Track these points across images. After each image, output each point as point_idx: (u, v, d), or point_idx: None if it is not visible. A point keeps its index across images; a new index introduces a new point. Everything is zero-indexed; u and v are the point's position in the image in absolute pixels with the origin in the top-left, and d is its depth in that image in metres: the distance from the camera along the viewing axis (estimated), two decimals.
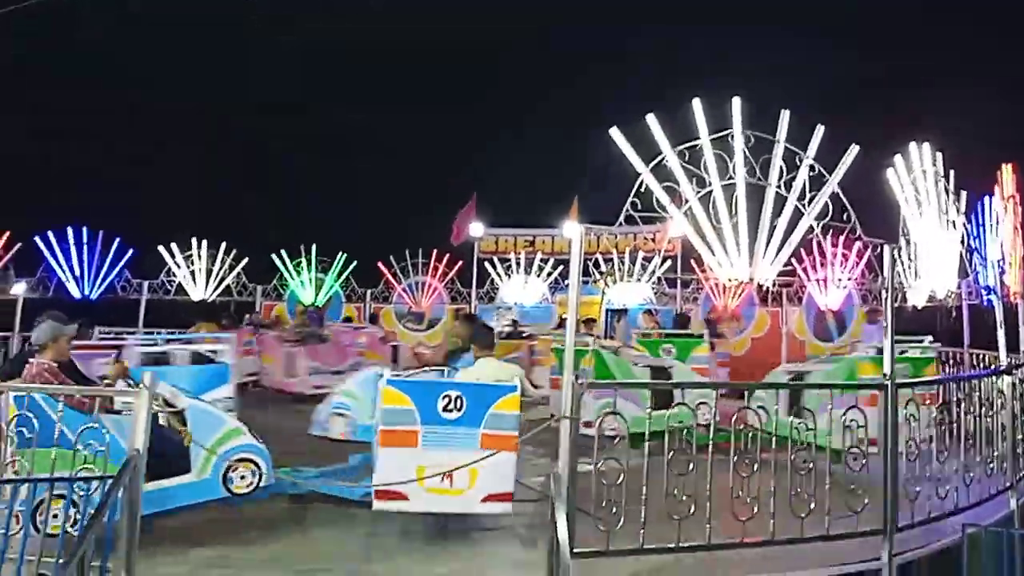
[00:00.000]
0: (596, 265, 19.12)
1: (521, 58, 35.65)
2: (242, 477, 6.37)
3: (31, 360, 6.34)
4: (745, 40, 28.98)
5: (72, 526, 5.02)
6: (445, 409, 6.24)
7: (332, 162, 34.81)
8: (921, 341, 9.35)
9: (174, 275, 20.33)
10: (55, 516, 5.09)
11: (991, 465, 6.78)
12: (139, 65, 31.98)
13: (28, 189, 27.17)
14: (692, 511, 5.10)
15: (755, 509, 5.22)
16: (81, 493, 5.01)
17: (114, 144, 30.64)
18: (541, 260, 21.36)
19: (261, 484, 6.47)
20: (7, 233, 17.53)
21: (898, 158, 8.49)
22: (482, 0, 33.62)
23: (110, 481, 4.70)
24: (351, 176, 34.00)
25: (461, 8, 33.63)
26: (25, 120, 27.71)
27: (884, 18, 31.57)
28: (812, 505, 5.36)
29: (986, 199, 10.28)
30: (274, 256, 20.91)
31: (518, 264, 21.34)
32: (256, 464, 6.48)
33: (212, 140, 33.49)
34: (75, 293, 19.31)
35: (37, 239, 19.02)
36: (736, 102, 6.60)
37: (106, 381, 6.83)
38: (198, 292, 20.40)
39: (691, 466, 5.14)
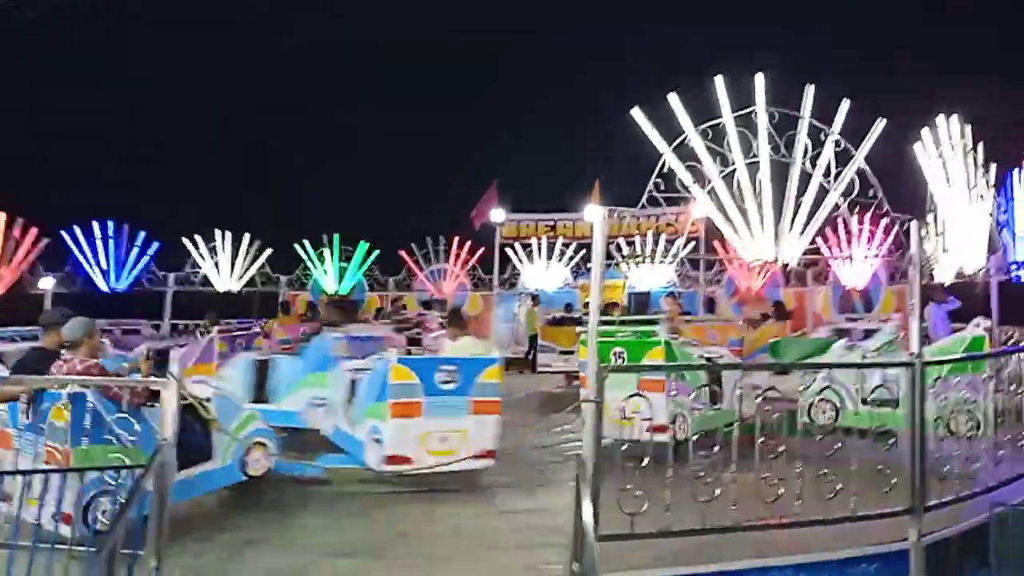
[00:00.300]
0: (618, 248, 19.04)
1: (522, 50, 35.34)
2: (256, 460, 6.69)
3: (66, 357, 6.07)
4: (746, 40, 28.38)
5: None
6: (443, 382, 7.21)
7: (332, 162, 35.05)
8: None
9: (199, 267, 20.50)
10: (104, 512, 5.23)
11: (1021, 443, 6.68)
12: (139, 65, 32.17)
13: (41, 185, 27.35)
14: (717, 494, 5.08)
15: (781, 491, 5.18)
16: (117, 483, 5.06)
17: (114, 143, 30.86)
18: (563, 245, 21.29)
19: (272, 467, 6.83)
20: (35, 229, 17.74)
21: (925, 132, 8.34)
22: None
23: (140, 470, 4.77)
24: (351, 175, 34.14)
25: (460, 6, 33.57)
26: (25, 119, 27.90)
27: None
28: (839, 486, 5.32)
29: (1015, 172, 10.08)
30: (297, 246, 21.08)
31: (539, 249, 21.29)
32: (267, 447, 6.81)
33: (213, 139, 33.67)
34: (102, 286, 19.55)
35: (64, 234, 19.25)
36: (759, 78, 6.50)
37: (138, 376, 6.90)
38: (223, 283, 20.57)
39: (716, 448, 5.13)
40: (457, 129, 33.59)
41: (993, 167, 9.00)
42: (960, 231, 8.77)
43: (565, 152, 33.02)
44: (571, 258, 21.23)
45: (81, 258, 19.41)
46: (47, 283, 15.04)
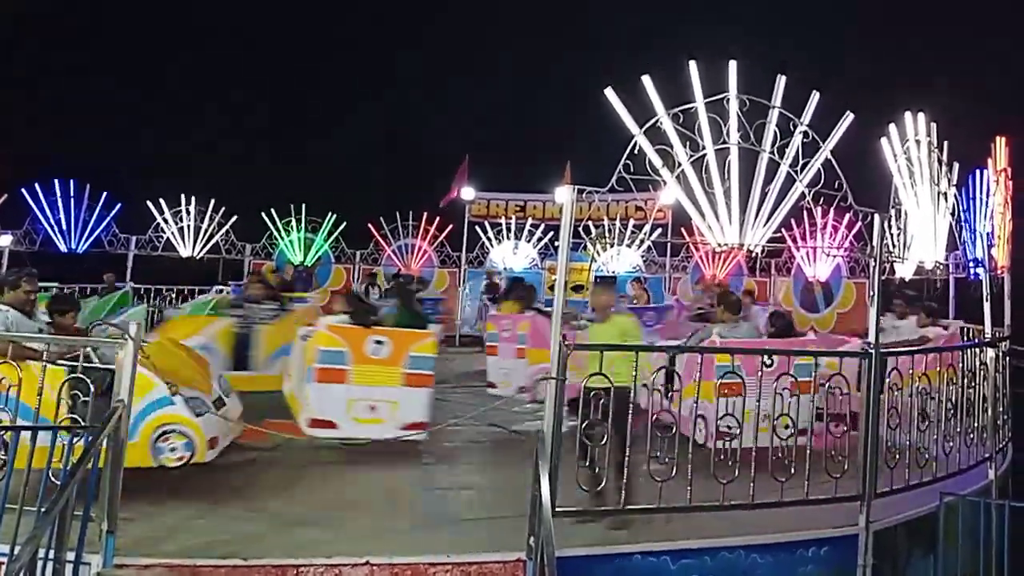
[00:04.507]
0: (586, 231, 19.07)
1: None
2: None
3: None
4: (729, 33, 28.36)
5: None
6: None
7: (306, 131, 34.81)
8: None
9: (162, 231, 20.13)
10: None
11: (971, 436, 6.84)
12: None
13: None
14: (674, 473, 5.13)
15: (736, 472, 5.26)
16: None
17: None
18: (531, 226, 21.29)
19: None
20: None
21: (892, 127, 8.44)
22: None
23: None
24: (324, 146, 33.92)
25: None
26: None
27: None
28: (792, 470, 5.41)
29: (978, 172, 10.25)
30: (263, 215, 20.81)
31: (509, 229, 21.26)
32: None
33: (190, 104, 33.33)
34: (61, 247, 19.13)
35: (23, 191, 18.75)
36: (732, 66, 6.53)
37: None
38: (187, 249, 20.25)
39: (674, 429, 5.17)
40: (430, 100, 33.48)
41: (956, 166, 9.14)
42: (922, 227, 8.91)
43: (539, 135, 33.06)
44: (539, 239, 21.24)
45: (41, 216, 18.95)
46: (4, 240, 14.70)
